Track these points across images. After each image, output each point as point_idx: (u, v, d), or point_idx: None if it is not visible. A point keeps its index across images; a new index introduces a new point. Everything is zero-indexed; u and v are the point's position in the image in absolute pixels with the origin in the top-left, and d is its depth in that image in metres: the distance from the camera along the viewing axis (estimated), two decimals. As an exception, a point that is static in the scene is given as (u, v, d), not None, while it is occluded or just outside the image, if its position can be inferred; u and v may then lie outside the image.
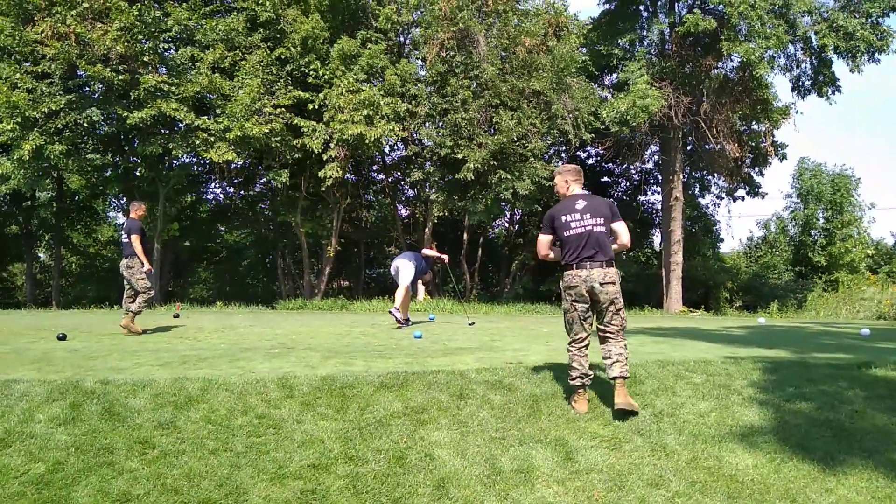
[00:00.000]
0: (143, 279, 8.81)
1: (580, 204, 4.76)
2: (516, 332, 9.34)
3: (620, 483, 3.83)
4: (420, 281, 11.01)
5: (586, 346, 4.82)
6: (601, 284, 4.63)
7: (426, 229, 19.86)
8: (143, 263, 8.80)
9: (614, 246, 4.85)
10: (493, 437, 4.37)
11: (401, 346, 7.68)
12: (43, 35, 15.29)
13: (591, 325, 4.89)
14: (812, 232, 26.92)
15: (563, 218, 4.75)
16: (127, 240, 8.85)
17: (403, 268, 10.02)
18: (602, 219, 4.71)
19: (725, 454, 4.11)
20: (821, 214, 26.74)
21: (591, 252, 4.65)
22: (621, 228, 4.86)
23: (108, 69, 15.21)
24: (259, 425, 4.45)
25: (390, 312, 10.14)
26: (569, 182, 4.94)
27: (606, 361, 4.83)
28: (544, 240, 4.91)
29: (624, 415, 4.61)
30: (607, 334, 4.79)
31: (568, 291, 4.76)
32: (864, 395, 4.99)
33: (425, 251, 10.19)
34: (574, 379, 4.78)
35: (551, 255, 4.95)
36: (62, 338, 8.16)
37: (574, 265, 4.68)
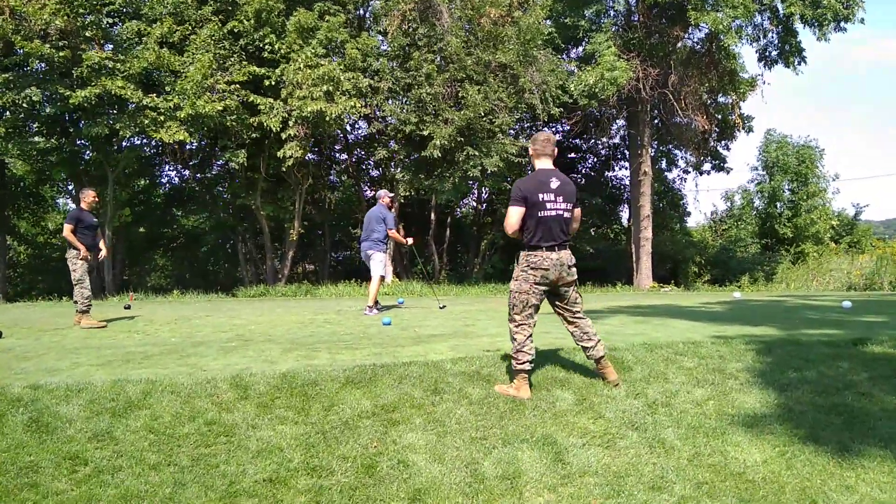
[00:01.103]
0: (75, 270, 8.35)
1: (554, 183, 4.48)
2: (490, 315, 8.90)
3: (619, 487, 3.40)
4: (387, 259, 10.52)
5: (531, 332, 4.56)
6: (569, 267, 4.51)
7: (392, 209, 19.24)
8: (78, 251, 8.31)
9: None
10: (473, 437, 3.92)
11: (368, 334, 7.19)
12: (-27, 9, 14.18)
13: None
14: (778, 204, 26.98)
15: (540, 196, 4.44)
16: None
17: (373, 258, 9.51)
18: (571, 205, 4.55)
19: (730, 448, 3.71)
20: (786, 186, 26.79)
21: (562, 236, 4.49)
22: (578, 215, 4.72)
23: (48, 45, 14.19)
24: (208, 433, 3.93)
25: (364, 314, 9.62)
26: (533, 151, 4.65)
27: (587, 343, 4.66)
28: (517, 212, 4.50)
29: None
30: (575, 315, 4.65)
31: (533, 273, 4.46)
32: (868, 376, 4.67)
33: (391, 233, 9.61)
34: (523, 363, 4.46)
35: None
36: (-3, 335, 7.46)
37: (544, 247, 4.44)
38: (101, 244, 8.84)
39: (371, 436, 3.92)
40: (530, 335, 4.50)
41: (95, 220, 8.79)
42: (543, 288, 4.50)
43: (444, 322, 8.22)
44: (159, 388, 4.49)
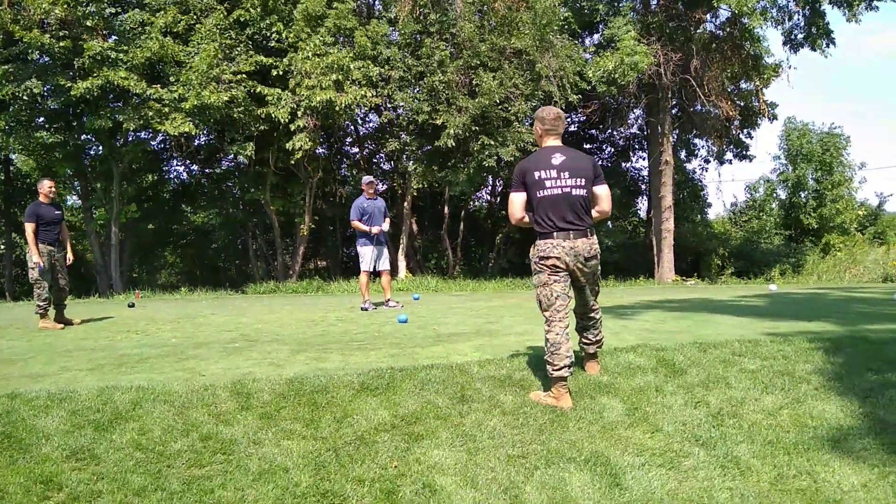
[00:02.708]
0: (33, 269, 7.73)
1: (557, 158, 3.89)
2: (513, 312, 8.32)
3: (692, 519, 2.82)
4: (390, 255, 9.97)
5: (567, 325, 3.94)
6: (586, 259, 3.89)
7: (405, 203, 18.71)
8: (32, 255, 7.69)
9: (594, 213, 4.01)
10: (509, 454, 3.35)
11: (384, 333, 6.63)
12: (-29, -1, 13.75)
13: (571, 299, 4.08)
14: (802, 194, 26.09)
15: (537, 174, 3.88)
16: None
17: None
18: (583, 180, 3.92)
19: (819, 469, 3.11)
20: (810, 175, 25.88)
21: (575, 219, 3.84)
22: (603, 192, 4.02)
23: (48, 35, 13.72)
24: (203, 451, 3.39)
25: (387, 306, 9.27)
26: (541, 130, 4.03)
27: (586, 338, 4.33)
28: (517, 199, 3.99)
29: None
30: (589, 311, 4.24)
31: (543, 263, 3.88)
32: (963, 379, 4.04)
33: (353, 224, 9.03)
34: (560, 369, 3.83)
35: (526, 218, 4.01)
36: (-14, 337, 6.98)
37: (554, 234, 3.83)
38: (68, 247, 8.17)
39: (391, 453, 3.36)
40: (565, 330, 3.88)
41: (58, 212, 7.98)
42: (564, 272, 3.89)
43: (465, 319, 7.65)
44: (151, 397, 3.97)
